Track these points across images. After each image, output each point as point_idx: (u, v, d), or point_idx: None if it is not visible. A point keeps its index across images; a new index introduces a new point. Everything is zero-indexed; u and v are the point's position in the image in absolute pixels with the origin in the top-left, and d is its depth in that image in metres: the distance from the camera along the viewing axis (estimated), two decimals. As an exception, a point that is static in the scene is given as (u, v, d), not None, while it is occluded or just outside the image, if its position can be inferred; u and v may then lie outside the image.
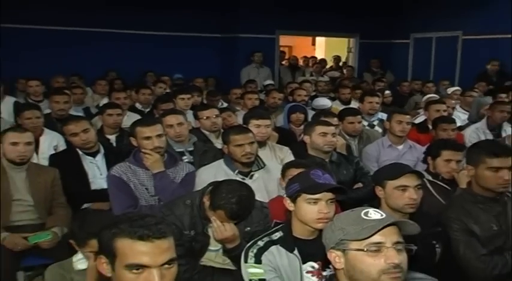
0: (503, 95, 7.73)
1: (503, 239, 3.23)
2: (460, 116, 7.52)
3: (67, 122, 4.99)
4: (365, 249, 1.95)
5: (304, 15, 13.03)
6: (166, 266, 1.90)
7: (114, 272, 1.93)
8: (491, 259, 3.19)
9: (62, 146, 5.36)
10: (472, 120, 7.42)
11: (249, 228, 3.38)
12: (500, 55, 10.77)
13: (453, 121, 5.83)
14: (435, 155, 4.11)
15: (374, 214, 2.03)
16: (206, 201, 3.30)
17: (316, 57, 16.37)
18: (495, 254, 3.20)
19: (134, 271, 1.87)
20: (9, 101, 7.64)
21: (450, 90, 9.32)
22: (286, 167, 3.99)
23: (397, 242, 1.96)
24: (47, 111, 6.39)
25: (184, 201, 3.45)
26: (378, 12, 13.57)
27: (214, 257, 3.50)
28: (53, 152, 5.18)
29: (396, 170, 3.26)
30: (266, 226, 3.53)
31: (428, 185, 3.84)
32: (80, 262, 2.84)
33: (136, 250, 1.87)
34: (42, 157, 5.00)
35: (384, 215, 2.03)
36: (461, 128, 6.62)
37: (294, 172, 3.55)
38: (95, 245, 2.64)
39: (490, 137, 6.02)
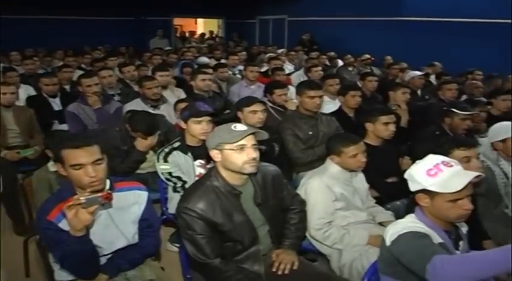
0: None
1: (314, 140, 3.33)
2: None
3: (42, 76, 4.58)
4: (234, 148, 1.92)
5: (191, 4, 12.33)
6: (96, 163, 1.77)
7: (66, 172, 1.81)
8: (307, 151, 3.30)
9: (32, 93, 4.83)
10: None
11: (159, 132, 3.19)
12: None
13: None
14: (271, 93, 4.01)
15: (240, 126, 1.98)
16: (128, 126, 3.12)
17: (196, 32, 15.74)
18: (309, 149, 3.30)
19: (76, 168, 1.75)
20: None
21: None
22: (176, 103, 3.82)
23: (254, 144, 1.96)
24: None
25: (115, 128, 3.26)
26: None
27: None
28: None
29: (248, 100, 3.19)
30: (171, 129, 3.53)
31: (271, 109, 3.82)
32: (51, 165, 2.66)
33: (74, 155, 1.75)
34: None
35: (246, 128, 1.99)
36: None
37: (182, 105, 3.41)
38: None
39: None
